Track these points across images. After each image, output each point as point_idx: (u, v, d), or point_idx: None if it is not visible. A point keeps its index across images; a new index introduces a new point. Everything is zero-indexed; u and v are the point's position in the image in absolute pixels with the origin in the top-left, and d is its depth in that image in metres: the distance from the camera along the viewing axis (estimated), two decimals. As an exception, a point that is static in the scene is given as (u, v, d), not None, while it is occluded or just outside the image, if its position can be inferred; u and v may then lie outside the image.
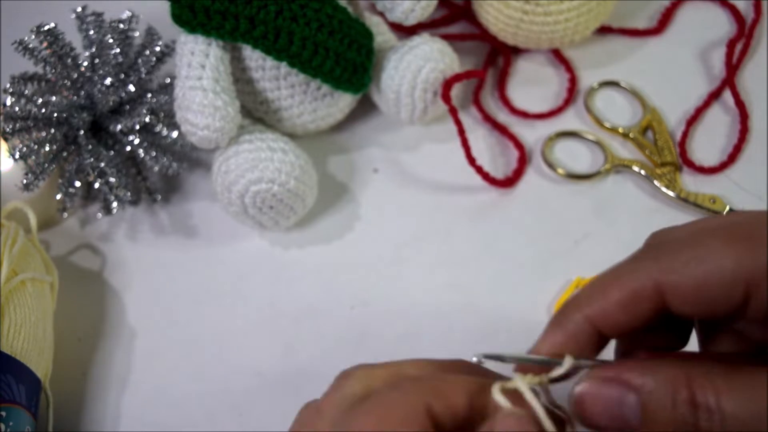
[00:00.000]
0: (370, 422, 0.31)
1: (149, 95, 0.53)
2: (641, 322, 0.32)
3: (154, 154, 0.53)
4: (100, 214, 0.54)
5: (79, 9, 0.54)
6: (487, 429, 0.31)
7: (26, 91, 0.52)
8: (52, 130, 0.51)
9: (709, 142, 0.55)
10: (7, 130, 0.51)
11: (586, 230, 0.52)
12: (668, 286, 0.30)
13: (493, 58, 0.59)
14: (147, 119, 0.52)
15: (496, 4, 0.54)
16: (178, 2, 0.49)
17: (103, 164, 0.52)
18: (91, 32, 0.53)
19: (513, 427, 0.30)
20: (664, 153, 0.54)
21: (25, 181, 0.51)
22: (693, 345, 0.36)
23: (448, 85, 0.52)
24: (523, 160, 0.55)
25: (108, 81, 0.52)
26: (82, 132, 0.52)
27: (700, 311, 0.31)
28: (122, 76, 0.53)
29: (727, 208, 0.52)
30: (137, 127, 0.52)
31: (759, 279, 0.29)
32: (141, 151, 0.53)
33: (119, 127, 0.52)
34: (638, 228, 0.52)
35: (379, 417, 0.31)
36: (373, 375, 0.34)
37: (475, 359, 0.33)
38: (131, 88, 0.52)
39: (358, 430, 0.31)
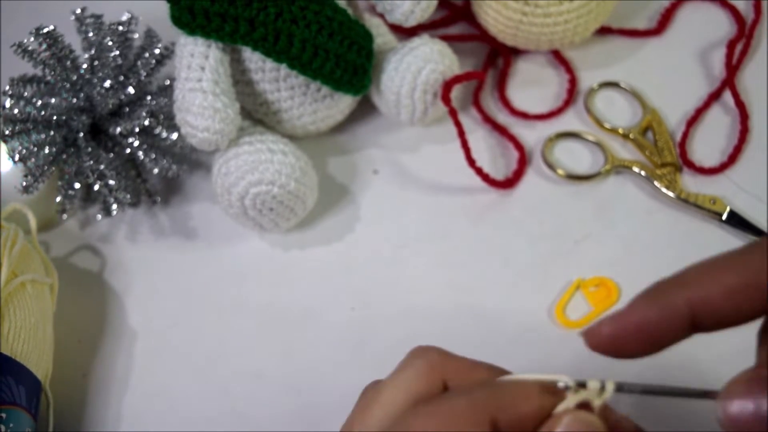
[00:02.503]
0: (431, 425, 0.30)
1: (149, 97, 0.53)
2: (743, 318, 0.30)
3: (153, 156, 0.53)
4: (99, 216, 0.54)
5: (79, 11, 0.53)
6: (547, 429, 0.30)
7: (25, 94, 0.52)
8: (52, 133, 0.51)
9: (709, 143, 0.55)
10: (7, 132, 0.51)
11: (586, 231, 0.52)
12: None
13: (492, 59, 0.59)
14: (146, 121, 0.52)
15: (495, 6, 0.54)
16: (177, 4, 0.49)
17: (102, 166, 0.52)
18: (91, 34, 0.53)
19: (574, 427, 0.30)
20: (664, 154, 0.54)
21: (24, 184, 0.51)
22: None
23: (448, 86, 0.52)
24: (523, 161, 0.55)
25: (107, 83, 0.52)
26: (81, 134, 0.52)
27: None
28: (122, 78, 0.53)
29: (728, 208, 0.52)
30: (137, 129, 0.52)
31: None
32: (141, 153, 0.53)
33: (119, 129, 0.52)
34: (638, 229, 0.52)
35: (441, 423, 0.30)
36: (447, 364, 0.33)
37: (561, 384, 0.31)
38: (131, 90, 0.52)
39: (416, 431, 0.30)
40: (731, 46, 0.57)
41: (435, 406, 0.31)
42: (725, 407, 0.29)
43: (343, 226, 0.54)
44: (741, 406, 0.28)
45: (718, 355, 0.41)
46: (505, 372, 0.34)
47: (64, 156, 0.52)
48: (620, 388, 0.31)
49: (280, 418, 0.48)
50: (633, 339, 0.30)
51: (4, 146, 0.52)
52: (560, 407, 0.31)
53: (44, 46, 0.52)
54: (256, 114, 0.54)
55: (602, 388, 0.31)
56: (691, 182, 0.53)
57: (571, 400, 0.31)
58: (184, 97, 0.49)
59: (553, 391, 0.31)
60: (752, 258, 0.29)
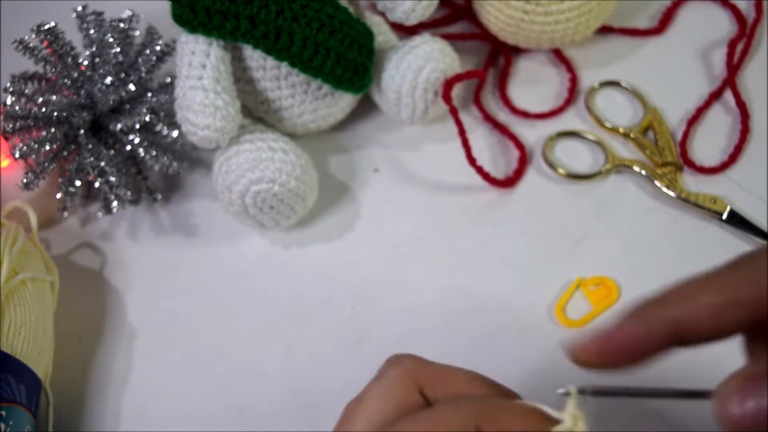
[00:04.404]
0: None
1: (149, 94, 0.53)
2: (725, 334, 0.30)
3: (154, 153, 0.53)
4: (100, 213, 0.54)
5: (80, 8, 0.54)
6: None
7: (26, 90, 0.52)
8: (53, 129, 0.51)
9: (710, 142, 0.55)
10: (8, 129, 0.51)
11: (586, 230, 0.52)
12: None
13: (493, 58, 0.59)
14: (147, 118, 0.52)
15: (496, 4, 0.54)
16: (178, 2, 0.49)
17: (103, 163, 0.52)
18: (92, 31, 0.53)
19: None
20: (665, 153, 0.54)
21: (25, 180, 0.51)
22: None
23: (448, 85, 0.52)
24: (524, 160, 0.55)
25: (108, 80, 0.52)
26: (82, 131, 0.52)
27: None
28: (122, 75, 0.53)
29: (728, 208, 0.52)
30: (137, 126, 0.52)
31: None
32: (141, 151, 0.53)
33: (119, 126, 0.52)
34: (639, 228, 0.52)
35: (428, 427, 0.31)
36: (422, 369, 0.34)
37: (561, 391, 0.32)
38: (131, 87, 0.52)
39: None
40: (732, 45, 0.57)
41: (422, 413, 0.32)
42: (724, 406, 0.29)
43: (343, 225, 0.54)
44: (741, 404, 0.28)
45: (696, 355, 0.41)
46: (480, 376, 0.35)
47: (65, 153, 0.52)
48: (611, 392, 0.32)
49: (280, 416, 0.48)
50: (618, 356, 0.31)
51: (5, 143, 0.52)
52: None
53: (45, 43, 0.52)
54: (257, 112, 0.54)
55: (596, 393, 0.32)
56: (691, 181, 0.53)
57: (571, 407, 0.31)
58: (185, 95, 0.49)
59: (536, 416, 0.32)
60: (732, 276, 0.30)
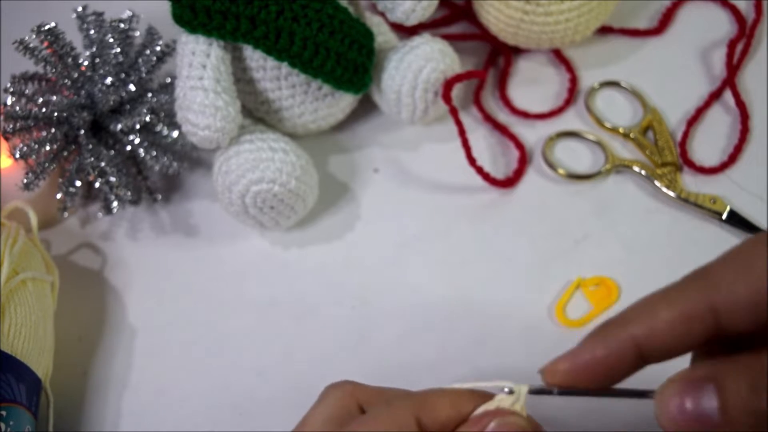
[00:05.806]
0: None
1: (150, 95, 0.53)
2: (688, 346, 0.31)
3: (154, 153, 0.53)
4: (100, 214, 0.54)
5: (80, 8, 0.54)
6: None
7: (27, 91, 0.52)
8: (53, 130, 0.51)
9: (709, 143, 0.55)
10: (8, 129, 0.51)
11: (586, 230, 0.52)
12: (722, 302, 0.29)
13: (493, 58, 0.59)
14: (147, 119, 0.52)
15: (496, 4, 0.54)
16: (179, 2, 0.49)
17: (103, 164, 0.52)
18: (92, 32, 0.53)
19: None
20: (665, 153, 0.54)
21: (25, 181, 0.51)
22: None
23: (448, 85, 0.52)
24: (524, 161, 0.55)
25: (108, 80, 0.52)
26: (82, 131, 0.52)
27: (759, 321, 0.29)
28: (123, 75, 0.53)
29: (728, 208, 0.52)
30: (138, 126, 0.52)
31: None
32: (141, 151, 0.53)
33: (120, 126, 0.52)
34: (639, 228, 0.52)
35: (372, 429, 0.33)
36: (360, 390, 0.36)
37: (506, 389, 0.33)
38: (132, 87, 0.52)
39: None
40: (732, 45, 0.57)
41: (361, 418, 0.34)
42: (664, 406, 0.30)
43: (343, 225, 0.54)
44: (679, 405, 0.29)
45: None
46: (414, 392, 0.36)
47: (65, 153, 0.52)
48: (555, 392, 0.33)
49: (280, 416, 0.48)
50: (585, 375, 0.32)
51: (5, 143, 0.52)
52: (479, 410, 0.32)
53: (45, 43, 0.52)
54: (257, 112, 0.54)
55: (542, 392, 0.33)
56: (691, 182, 0.53)
57: (491, 403, 0.33)
58: (185, 95, 0.49)
59: (487, 398, 0.33)
60: (688, 290, 0.31)
